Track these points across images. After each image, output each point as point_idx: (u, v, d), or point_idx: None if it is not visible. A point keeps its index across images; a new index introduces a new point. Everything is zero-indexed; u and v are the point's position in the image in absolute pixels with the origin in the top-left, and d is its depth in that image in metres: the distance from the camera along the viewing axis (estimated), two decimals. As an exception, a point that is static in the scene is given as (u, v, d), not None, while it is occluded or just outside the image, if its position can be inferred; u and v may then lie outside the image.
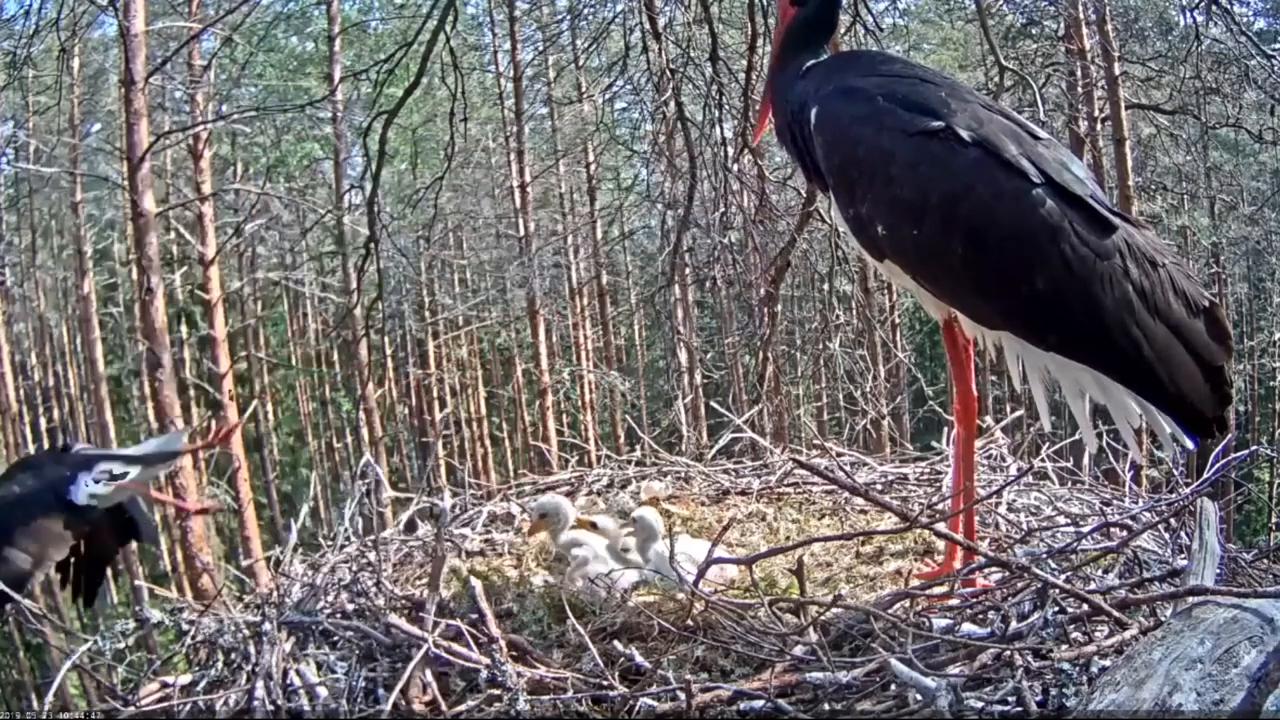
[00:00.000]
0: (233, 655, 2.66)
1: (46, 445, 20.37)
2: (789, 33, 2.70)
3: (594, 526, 3.11)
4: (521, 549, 3.43)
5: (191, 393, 19.47)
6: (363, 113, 11.48)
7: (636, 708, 2.12)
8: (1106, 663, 2.00)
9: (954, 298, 2.52)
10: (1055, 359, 2.47)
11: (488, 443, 22.16)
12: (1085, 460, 3.60)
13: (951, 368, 2.79)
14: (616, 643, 2.35)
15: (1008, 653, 2.07)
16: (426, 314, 21.51)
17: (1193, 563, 2.28)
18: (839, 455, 4.19)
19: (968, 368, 2.78)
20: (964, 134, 2.37)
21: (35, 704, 15.58)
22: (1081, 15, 10.85)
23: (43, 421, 21.17)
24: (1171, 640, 1.80)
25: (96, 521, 3.54)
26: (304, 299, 23.50)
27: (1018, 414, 6.47)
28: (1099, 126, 12.39)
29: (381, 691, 2.35)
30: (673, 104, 6.01)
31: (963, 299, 2.51)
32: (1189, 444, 2.46)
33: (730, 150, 6.35)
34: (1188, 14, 6.26)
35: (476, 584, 2.62)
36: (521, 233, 16.91)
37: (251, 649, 2.61)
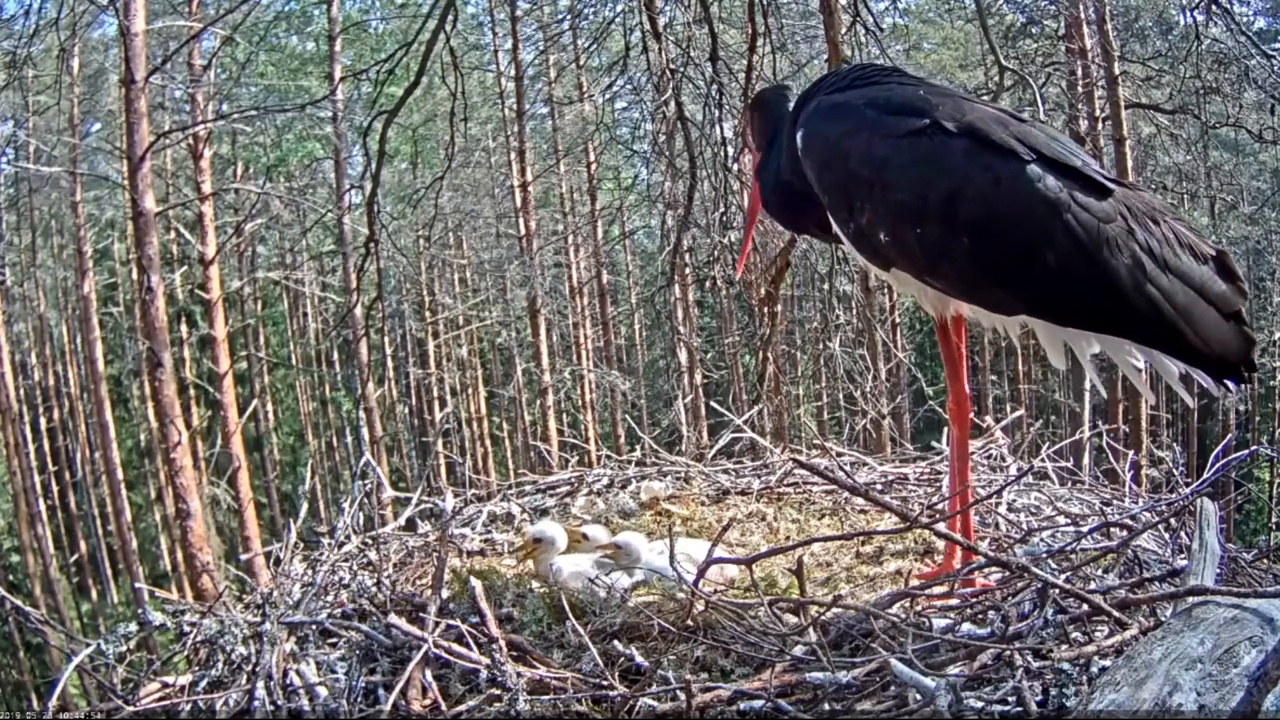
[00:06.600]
0: (233, 655, 2.66)
1: (47, 445, 20.47)
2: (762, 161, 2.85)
3: (584, 538, 3.10)
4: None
5: (191, 392, 19.48)
6: (363, 112, 11.49)
7: (636, 708, 2.12)
8: (1106, 663, 1.99)
9: (966, 291, 2.50)
10: (1082, 333, 2.45)
11: (488, 442, 22.17)
12: (1085, 460, 3.60)
13: (945, 366, 2.80)
14: (616, 643, 2.34)
15: (1008, 653, 2.07)
16: (426, 314, 21.52)
17: (1193, 563, 2.28)
18: (839, 455, 4.19)
19: (961, 366, 2.79)
20: (950, 126, 2.37)
21: (35, 704, 15.60)
22: (1081, 15, 10.86)
23: (43, 421, 21.19)
24: (1171, 640, 1.80)
25: None
26: (304, 299, 23.52)
27: (1018, 414, 6.48)
28: (1099, 126, 12.38)
29: (381, 692, 2.35)
30: (673, 104, 6.01)
31: (975, 291, 2.48)
32: (1231, 387, 2.43)
33: (730, 150, 6.35)
34: (1188, 14, 6.26)
35: (476, 584, 2.62)
36: (522, 232, 16.92)
37: (252, 649, 2.61)
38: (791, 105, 2.76)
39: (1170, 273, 2.33)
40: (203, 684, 2.63)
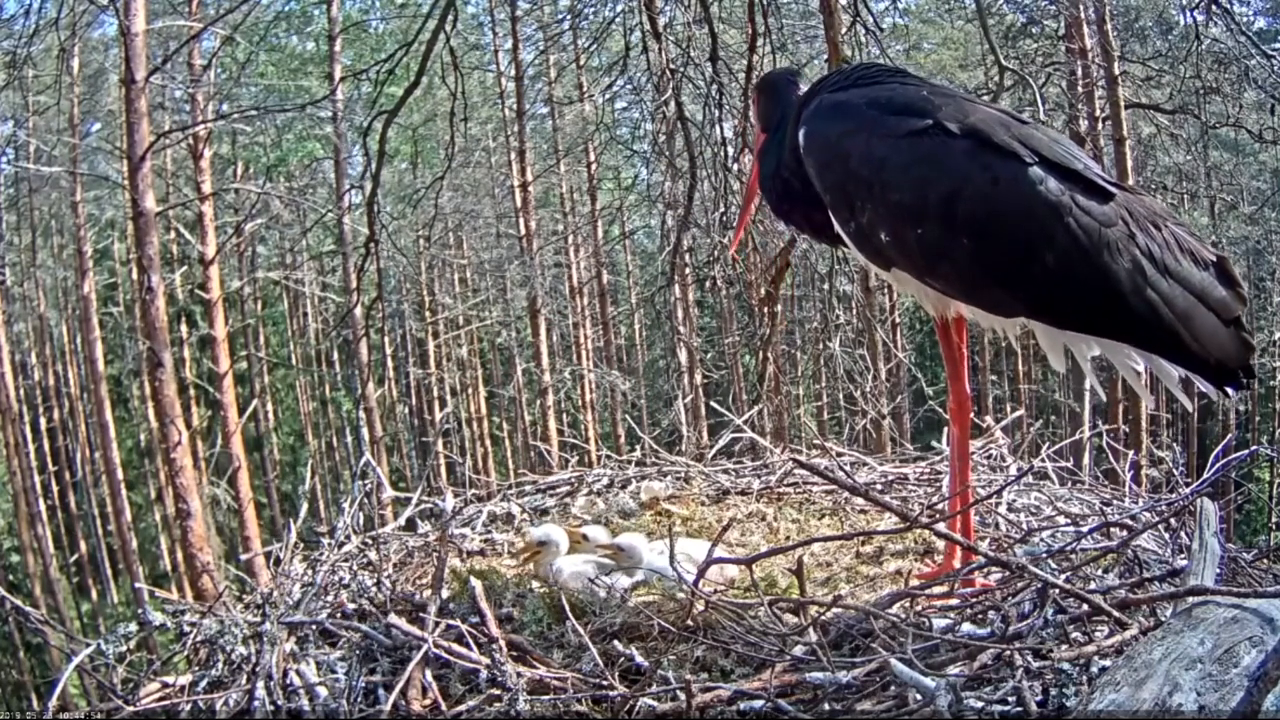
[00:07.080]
0: (233, 655, 2.66)
1: (47, 445, 20.47)
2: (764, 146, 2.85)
3: (584, 538, 3.09)
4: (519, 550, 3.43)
5: (191, 392, 19.48)
6: (363, 112, 11.49)
7: (636, 708, 2.12)
8: (1106, 663, 1.99)
9: (966, 293, 2.50)
10: (1081, 336, 2.45)
11: (488, 442, 22.17)
12: (1085, 460, 3.60)
13: (946, 366, 2.80)
14: (616, 643, 2.34)
15: (1008, 653, 2.07)
16: (426, 314, 21.52)
17: (1193, 563, 2.28)
18: (839, 455, 4.19)
19: (962, 366, 2.79)
20: (952, 127, 2.37)
21: (35, 704, 15.60)
22: (1081, 15, 10.85)
23: (43, 421, 21.19)
24: (1171, 640, 1.80)
25: None
26: (304, 299, 23.52)
27: (1018, 414, 6.48)
28: (1099, 126, 12.38)
29: (381, 692, 2.35)
30: (673, 104, 6.01)
31: (975, 292, 2.48)
32: (1231, 392, 2.43)
33: (730, 150, 6.35)
34: (1188, 14, 6.27)
35: (476, 584, 2.62)
36: (522, 232, 16.92)
37: (252, 649, 2.61)
38: (798, 93, 2.76)
39: (1170, 277, 2.33)
40: (203, 684, 2.63)
